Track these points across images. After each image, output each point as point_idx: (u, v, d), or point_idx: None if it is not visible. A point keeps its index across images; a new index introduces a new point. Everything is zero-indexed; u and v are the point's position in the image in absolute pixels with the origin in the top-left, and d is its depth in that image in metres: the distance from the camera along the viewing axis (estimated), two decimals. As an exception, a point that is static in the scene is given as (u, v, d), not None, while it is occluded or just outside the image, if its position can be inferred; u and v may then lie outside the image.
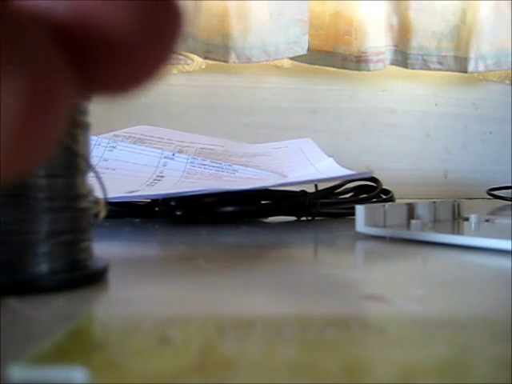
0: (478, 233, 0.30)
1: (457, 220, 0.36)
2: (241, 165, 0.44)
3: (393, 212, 0.32)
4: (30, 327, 0.13)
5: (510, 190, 0.68)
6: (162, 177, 0.42)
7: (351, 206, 0.39)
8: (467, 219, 0.34)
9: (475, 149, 0.89)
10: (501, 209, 0.58)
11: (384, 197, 0.46)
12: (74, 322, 0.13)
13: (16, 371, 0.10)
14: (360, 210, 0.30)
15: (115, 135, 0.49)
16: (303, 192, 0.41)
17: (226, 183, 0.41)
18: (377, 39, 0.79)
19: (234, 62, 0.77)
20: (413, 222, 0.30)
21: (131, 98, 0.08)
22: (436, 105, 0.88)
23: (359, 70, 0.80)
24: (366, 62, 0.80)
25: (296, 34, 0.74)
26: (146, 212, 0.40)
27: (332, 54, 0.80)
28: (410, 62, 0.82)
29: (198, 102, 0.81)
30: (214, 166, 0.43)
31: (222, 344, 0.12)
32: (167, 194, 0.36)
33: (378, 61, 0.79)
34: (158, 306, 0.16)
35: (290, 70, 0.82)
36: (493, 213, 0.51)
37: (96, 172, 0.18)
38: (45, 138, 0.07)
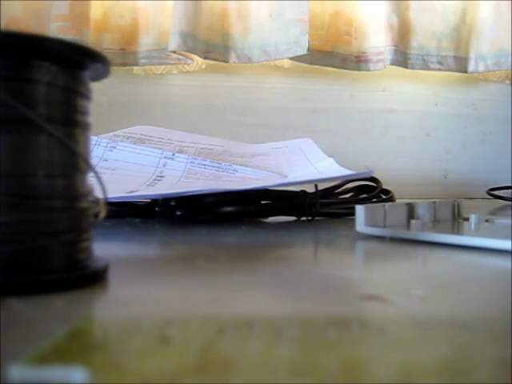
0: (478, 233, 0.30)
1: (457, 220, 0.36)
2: (241, 165, 0.44)
3: (393, 212, 0.32)
4: (30, 327, 0.13)
5: (509, 190, 0.68)
6: (162, 177, 0.42)
7: (351, 205, 0.39)
8: (467, 219, 0.34)
9: (475, 149, 0.89)
10: (501, 209, 0.58)
11: (384, 197, 0.46)
12: (73, 322, 0.13)
13: (16, 371, 0.10)
14: (360, 210, 0.30)
15: (115, 135, 0.49)
16: (303, 192, 0.41)
17: (225, 183, 0.41)
18: (377, 39, 0.79)
19: (234, 62, 0.77)
20: (413, 221, 0.30)
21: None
22: (436, 105, 0.88)
23: (359, 70, 0.80)
24: (366, 61, 0.80)
25: (296, 33, 0.74)
26: (146, 212, 0.40)
27: (332, 54, 0.80)
28: (410, 61, 0.82)
29: (198, 102, 0.81)
30: (214, 166, 0.43)
31: (221, 344, 0.12)
32: (167, 194, 0.36)
33: (378, 61, 0.79)
34: (158, 306, 0.16)
35: (290, 70, 0.82)
36: (493, 213, 0.51)
37: (96, 172, 0.18)
38: None
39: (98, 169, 0.19)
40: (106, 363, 0.10)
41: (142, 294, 0.17)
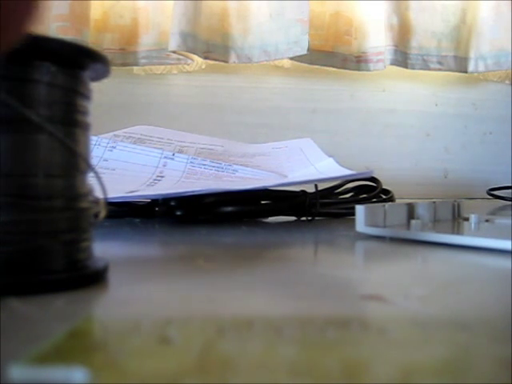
0: (478, 233, 0.30)
1: (457, 220, 0.36)
2: (241, 165, 0.44)
3: (393, 212, 0.32)
4: (30, 327, 0.13)
5: (510, 190, 0.68)
6: (162, 177, 0.42)
7: (351, 205, 0.39)
8: (467, 219, 0.34)
9: (475, 149, 0.89)
10: (501, 209, 0.58)
11: (384, 197, 0.46)
12: (73, 322, 0.13)
13: (16, 371, 0.10)
14: (360, 210, 0.30)
15: (115, 135, 0.49)
16: (303, 192, 0.41)
17: (225, 183, 0.41)
18: (377, 39, 0.79)
19: (234, 62, 0.77)
20: (413, 221, 0.30)
21: None
22: (436, 105, 0.88)
23: (359, 70, 0.80)
24: (366, 61, 0.80)
25: (296, 33, 0.74)
26: (146, 212, 0.40)
27: (332, 54, 0.80)
28: (410, 61, 0.82)
29: (198, 101, 0.81)
30: (214, 166, 0.43)
31: (221, 344, 0.12)
32: (167, 194, 0.36)
33: (378, 61, 0.79)
34: (158, 306, 0.16)
35: (290, 70, 0.82)
36: (493, 213, 0.51)
37: (96, 172, 0.18)
38: None
39: (98, 169, 0.19)
40: (106, 363, 0.10)
41: (142, 293, 0.17)
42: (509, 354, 0.11)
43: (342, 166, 0.40)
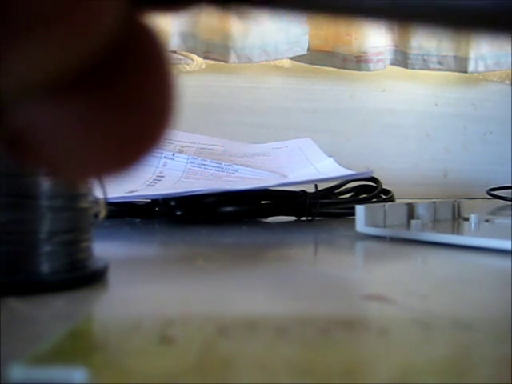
0: (477, 233, 0.30)
1: (457, 220, 0.36)
2: (241, 165, 0.44)
3: (393, 212, 0.32)
4: (30, 327, 0.13)
5: (510, 190, 0.68)
6: (162, 177, 0.42)
7: (351, 205, 0.39)
8: (467, 219, 0.34)
9: (475, 149, 0.89)
10: (501, 209, 0.58)
11: (384, 197, 0.46)
12: (73, 322, 0.13)
13: (16, 371, 0.10)
14: (360, 209, 0.30)
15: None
16: (303, 192, 0.41)
17: (225, 183, 0.41)
18: (377, 39, 0.79)
19: (234, 62, 0.77)
20: (413, 221, 0.30)
21: None
22: (436, 105, 0.88)
23: (359, 70, 0.80)
24: (366, 61, 0.80)
25: (296, 34, 0.74)
26: (146, 212, 0.40)
27: (332, 54, 0.80)
28: (410, 61, 0.82)
29: (198, 102, 0.81)
30: (214, 166, 0.43)
31: (222, 344, 0.12)
32: (167, 194, 0.36)
33: (378, 61, 0.79)
34: (158, 306, 0.16)
35: (290, 70, 0.82)
36: (493, 213, 0.51)
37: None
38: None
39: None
40: (106, 363, 0.10)
41: (142, 293, 0.17)
42: (509, 354, 0.11)
43: (342, 166, 0.40)
